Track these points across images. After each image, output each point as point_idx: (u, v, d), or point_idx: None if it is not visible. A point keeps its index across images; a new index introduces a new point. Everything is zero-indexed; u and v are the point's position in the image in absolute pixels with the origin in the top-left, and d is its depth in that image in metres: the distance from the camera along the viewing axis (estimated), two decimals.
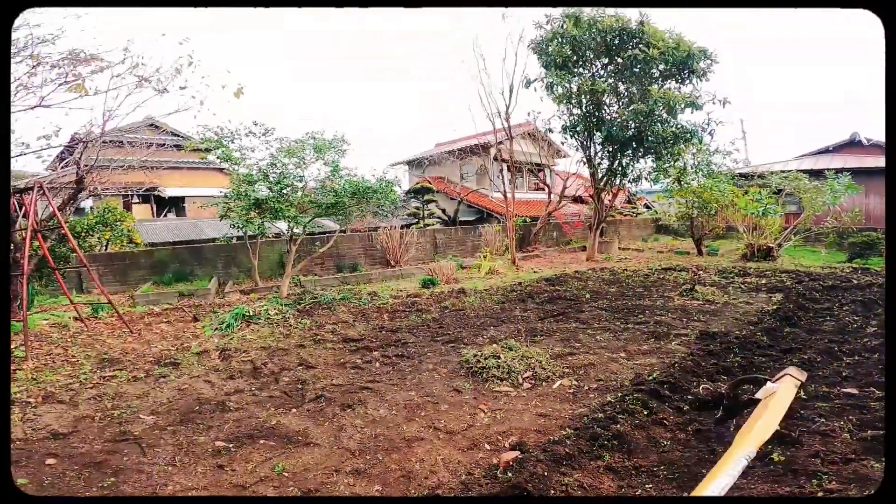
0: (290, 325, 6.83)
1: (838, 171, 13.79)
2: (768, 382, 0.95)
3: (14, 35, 5.49)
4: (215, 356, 5.45)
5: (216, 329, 6.65)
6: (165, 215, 19.76)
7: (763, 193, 12.98)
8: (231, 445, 3.26)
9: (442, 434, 3.36)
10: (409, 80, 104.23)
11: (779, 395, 0.89)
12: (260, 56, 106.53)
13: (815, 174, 14.39)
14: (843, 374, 3.92)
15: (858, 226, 13.44)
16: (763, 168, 17.24)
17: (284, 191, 9.22)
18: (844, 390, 3.52)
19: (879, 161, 16.57)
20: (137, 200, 18.57)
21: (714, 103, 12.72)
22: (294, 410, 3.86)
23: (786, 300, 7.20)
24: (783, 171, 14.62)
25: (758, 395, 0.96)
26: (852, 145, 19.45)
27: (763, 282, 8.85)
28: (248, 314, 7.11)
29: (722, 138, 24.08)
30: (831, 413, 3.11)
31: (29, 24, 5.66)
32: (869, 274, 9.46)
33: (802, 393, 3.10)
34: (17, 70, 5.73)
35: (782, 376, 0.94)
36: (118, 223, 10.43)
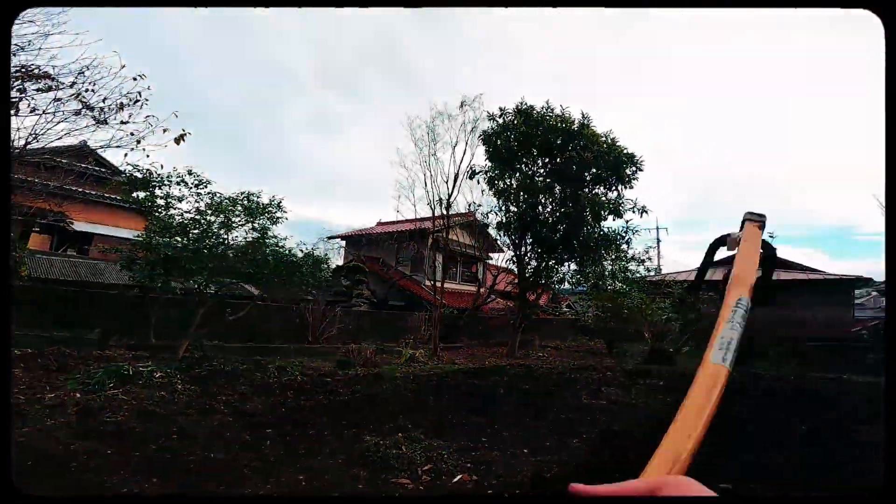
0: (177, 391, 6.09)
1: None
2: (730, 234, 0.97)
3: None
4: (72, 412, 4.66)
5: (83, 384, 5.76)
6: (66, 250, 17.69)
7: (667, 302, 14.23)
8: None
9: None
10: (398, 79, 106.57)
11: (745, 239, 0.91)
12: (250, 55, 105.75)
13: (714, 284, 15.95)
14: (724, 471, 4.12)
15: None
16: (670, 277, 18.56)
17: (202, 250, 8.62)
18: (721, 486, 3.72)
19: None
20: (38, 229, 16.54)
21: (634, 211, 13.84)
22: (155, 480, 3.31)
23: (679, 400, 7.68)
24: (686, 282, 15.97)
25: (728, 252, 1.00)
26: None
27: (661, 383, 9.41)
28: (126, 372, 6.27)
29: (638, 245, 26.16)
30: None
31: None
32: (753, 378, 10.32)
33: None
34: None
35: (742, 223, 0.94)
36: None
